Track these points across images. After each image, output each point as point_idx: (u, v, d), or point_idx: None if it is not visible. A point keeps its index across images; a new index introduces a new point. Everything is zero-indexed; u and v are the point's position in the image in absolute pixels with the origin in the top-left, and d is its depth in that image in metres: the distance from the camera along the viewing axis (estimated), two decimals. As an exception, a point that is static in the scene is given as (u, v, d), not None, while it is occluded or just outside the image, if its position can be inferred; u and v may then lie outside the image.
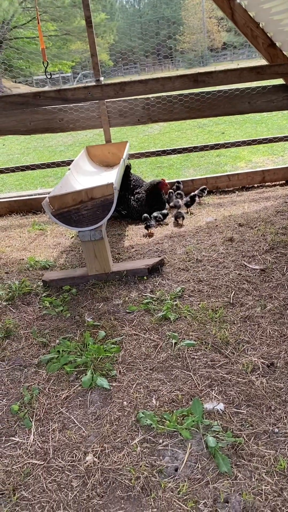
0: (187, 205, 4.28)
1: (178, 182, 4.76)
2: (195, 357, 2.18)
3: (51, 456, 1.72)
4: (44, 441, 1.80)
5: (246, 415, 1.80)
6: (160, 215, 4.09)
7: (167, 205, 4.41)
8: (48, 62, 4.15)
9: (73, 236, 4.05)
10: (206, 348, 2.23)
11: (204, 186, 4.61)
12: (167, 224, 4.10)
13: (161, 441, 1.72)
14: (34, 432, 1.85)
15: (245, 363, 2.09)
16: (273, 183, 4.97)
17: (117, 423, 1.84)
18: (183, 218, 4.02)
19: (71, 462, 1.68)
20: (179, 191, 4.52)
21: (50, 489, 1.59)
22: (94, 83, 4.19)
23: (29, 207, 4.95)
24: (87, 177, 3.97)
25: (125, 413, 1.88)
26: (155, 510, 1.47)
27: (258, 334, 2.30)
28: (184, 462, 1.62)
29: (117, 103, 4.53)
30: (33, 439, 1.81)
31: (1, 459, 1.74)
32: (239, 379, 2.00)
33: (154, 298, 2.73)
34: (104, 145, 4.62)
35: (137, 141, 9.14)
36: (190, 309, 2.57)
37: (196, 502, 1.48)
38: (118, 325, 2.52)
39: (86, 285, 3.00)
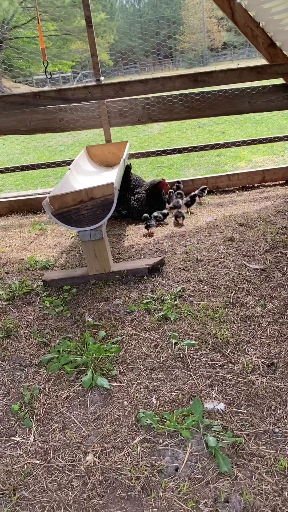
0: (187, 205, 4.28)
1: (178, 182, 4.75)
2: (196, 357, 2.18)
3: (51, 456, 1.72)
4: (45, 441, 1.80)
5: (247, 415, 1.80)
6: (160, 215, 4.09)
7: (167, 205, 4.41)
8: (48, 62, 4.15)
9: (73, 236, 4.05)
10: (206, 348, 2.23)
11: (204, 186, 4.61)
12: (167, 224, 4.10)
13: (161, 441, 1.72)
14: (34, 432, 1.85)
15: (246, 363, 2.09)
16: (273, 183, 4.97)
17: (117, 423, 1.84)
18: (183, 217, 4.02)
19: (71, 462, 1.68)
20: (179, 191, 4.52)
21: (51, 489, 1.59)
22: (94, 83, 4.18)
23: (29, 207, 4.95)
24: (87, 177, 3.97)
25: (126, 413, 1.88)
26: (156, 510, 1.47)
27: (259, 334, 2.30)
28: (185, 462, 1.62)
29: (117, 103, 4.52)
30: (34, 439, 1.81)
31: (2, 459, 1.74)
32: (239, 379, 2.00)
33: (154, 298, 2.73)
34: (104, 145, 4.62)
35: (137, 141, 9.14)
36: (190, 309, 2.57)
37: (197, 502, 1.48)
38: (119, 325, 2.52)
39: (86, 285, 3.00)
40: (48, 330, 2.55)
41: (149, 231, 3.85)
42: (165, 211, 4.18)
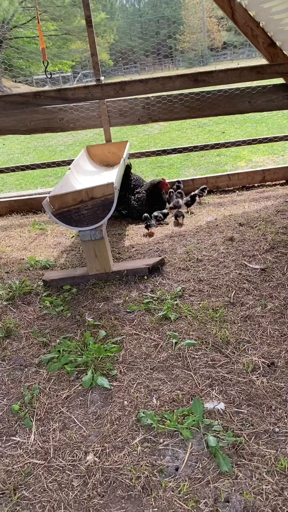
0: (188, 204, 4.28)
1: (178, 181, 4.75)
2: (196, 356, 2.18)
3: (51, 456, 1.72)
4: (45, 441, 1.80)
5: (247, 415, 1.80)
6: (161, 215, 4.09)
7: (167, 204, 4.41)
8: (48, 62, 4.15)
9: (73, 236, 4.05)
10: (206, 347, 2.23)
11: (205, 186, 4.61)
12: (167, 224, 4.10)
13: (161, 440, 1.72)
14: (34, 431, 1.85)
15: (246, 362, 2.09)
16: (274, 183, 4.97)
17: (117, 422, 1.84)
18: (183, 216, 4.02)
19: (71, 462, 1.68)
20: (179, 191, 4.52)
21: (51, 488, 1.59)
22: (94, 83, 4.19)
23: (30, 206, 4.95)
24: (88, 176, 3.97)
25: (126, 413, 1.88)
26: (156, 509, 1.47)
27: (259, 334, 2.30)
28: (185, 461, 1.62)
29: (117, 103, 4.52)
30: (34, 438, 1.81)
31: (2, 459, 1.74)
32: (239, 379, 2.00)
33: (154, 298, 2.73)
34: (105, 144, 4.62)
35: (137, 141, 9.14)
36: (190, 309, 2.57)
37: (197, 501, 1.48)
38: (119, 324, 2.52)
39: (86, 285, 3.00)
40: (48, 330, 2.55)
41: (149, 230, 3.85)
42: (165, 210, 4.18)
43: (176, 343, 2.29)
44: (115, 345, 2.31)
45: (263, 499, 1.46)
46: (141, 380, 2.06)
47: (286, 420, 1.75)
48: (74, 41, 24.15)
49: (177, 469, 1.60)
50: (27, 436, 1.83)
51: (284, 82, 4.54)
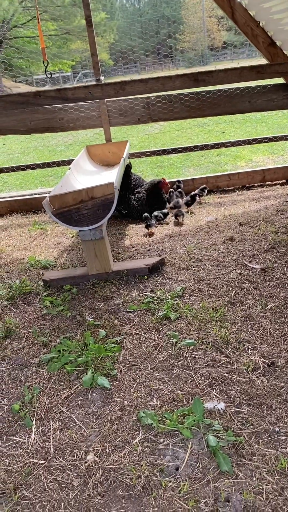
0: (188, 204, 4.28)
1: (178, 181, 4.75)
2: (196, 356, 2.18)
3: (52, 456, 1.72)
4: (45, 441, 1.80)
5: (247, 414, 1.80)
6: (161, 214, 4.09)
7: (167, 204, 4.41)
8: (48, 62, 4.15)
9: (73, 236, 4.05)
10: (206, 347, 2.24)
11: (205, 186, 4.60)
12: (167, 224, 4.10)
13: (162, 440, 1.72)
14: (35, 431, 1.85)
15: (246, 362, 2.09)
16: (274, 182, 4.97)
17: (118, 422, 1.84)
18: (183, 216, 4.02)
19: (72, 462, 1.68)
20: (179, 190, 4.52)
21: (51, 488, 1.59)
22: (94, 83, 4.18)
23: (30, 206, 4.95)
24: (88, 176, 3.97)
25: (126, 413, 1.88)
26: (156, 509, 1.47)
27: (259, 333, 2.30)
28: (185, 461, 1.62)
29: (117, 103, 4.52)
30: (34, 438, 1.81)
31: (2, 459, 1.74)
32: (239, 378, 2.00)
33: (154, 298, 2.73)
34: (105, 144, 4.62)
35: (137, 141, 9.14)
36: (190, 309, 2.57)
37: (197, 501, 1.48)
38: (119, 324, 2.52)
39: (86, 285, 3.00)
40: (49, 329, 2.55)
41: (150, 230, 3.85)
42: (165, 210, 4.18)
43: (176, 342, 2.29)
44: (115, 345, 2.31)
45: (263, 498, 1.46)
46: (141, 379, 2.06)
47: (286, 420, 1.75)
48: (74, 41, 24.15)
49: (177, 469, 1.60)
50: (27, 435, 1.83)
51: (284, 81, 4.54)
